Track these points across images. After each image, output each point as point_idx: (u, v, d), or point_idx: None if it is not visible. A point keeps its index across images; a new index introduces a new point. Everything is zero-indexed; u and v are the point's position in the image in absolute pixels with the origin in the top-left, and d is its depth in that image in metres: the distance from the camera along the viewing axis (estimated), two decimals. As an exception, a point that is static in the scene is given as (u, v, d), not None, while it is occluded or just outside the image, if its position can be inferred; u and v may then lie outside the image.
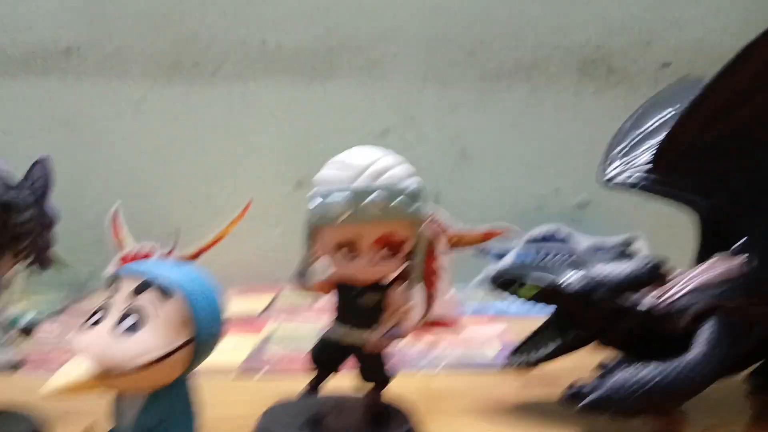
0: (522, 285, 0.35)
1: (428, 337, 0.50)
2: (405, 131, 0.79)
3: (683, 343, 0.33)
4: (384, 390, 0.33)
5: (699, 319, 0.33)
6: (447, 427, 0.33)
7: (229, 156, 0.79)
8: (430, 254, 0.55)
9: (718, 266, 0.35)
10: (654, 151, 0.33)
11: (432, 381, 0.41)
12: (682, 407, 0.32)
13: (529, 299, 0.35)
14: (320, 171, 0.31)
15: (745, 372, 0.40)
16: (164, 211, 0.75)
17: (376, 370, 0.32)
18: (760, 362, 0.40)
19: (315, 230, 0.31)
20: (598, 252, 0.36)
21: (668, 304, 0.34)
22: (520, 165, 0.81)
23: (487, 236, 0.55)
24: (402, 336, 0.32)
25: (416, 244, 0.32)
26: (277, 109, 0.79)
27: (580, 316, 0.34)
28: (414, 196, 0.31)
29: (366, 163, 0.30)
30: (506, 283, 0.36)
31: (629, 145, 0.39)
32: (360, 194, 0.29)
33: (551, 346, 0.36)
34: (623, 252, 0.36)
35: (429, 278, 0.34)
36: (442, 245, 0.55)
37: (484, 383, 0.40)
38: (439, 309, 0.54)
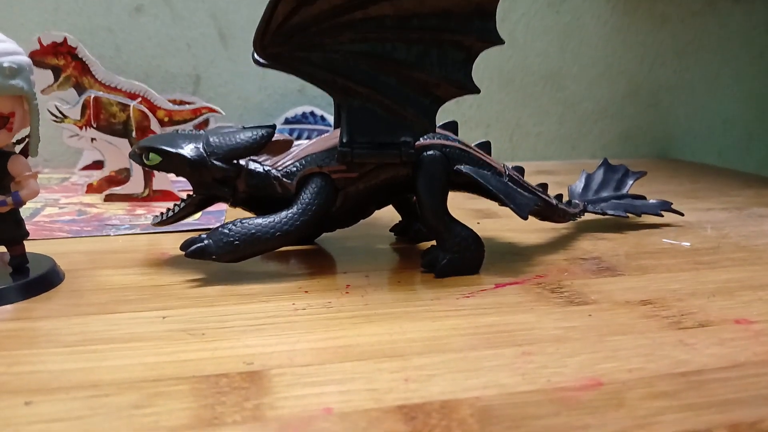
0: (148, 156, 0.39)
1: (136, 206, 0.55)
2: (159, 10, 0.79)
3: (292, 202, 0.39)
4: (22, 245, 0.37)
5: (305, 181, 0.40)
6: (99, 276, 0.38)
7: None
8: (144, 130, 0.58)
9: (325, 140, 0.41)
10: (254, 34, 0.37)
11: (114, 241, 0.46)
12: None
13: (155, 167, 0.39)
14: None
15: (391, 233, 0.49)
16: None
17: (6, 230, 0.36)
18: (398, 222, 0.48)
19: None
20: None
21: (283, 168, 0.40)
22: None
23: (195, 113, 0.59)
24: (21, 203, 0.35)
25: (31, 117, 0.35)
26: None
27: (199, 181, 0.39)
28: (12, 72, 0.33)
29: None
30: (139, 154, 0.39)
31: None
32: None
33: (181, 206, 0.41)
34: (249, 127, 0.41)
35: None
36: (154, 122, 0.58)
37: (149, 242, 0.45)
38: (159, 183, 0.59)
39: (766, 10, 1.00)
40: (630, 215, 0.52)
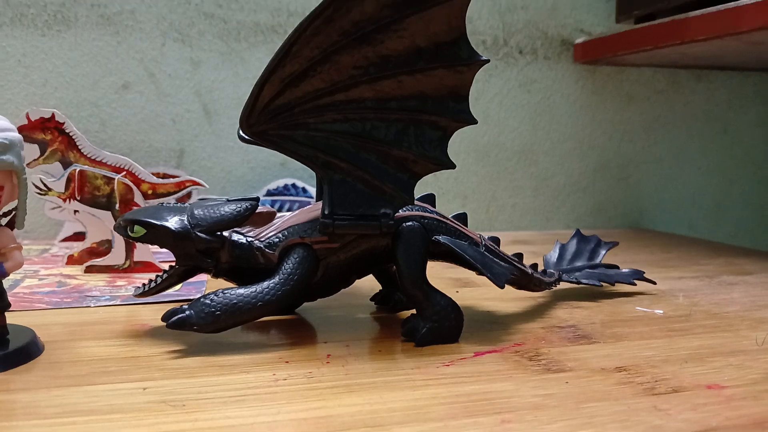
0: (133, 228, 0.40)
1: (116, 277, 0.55)
2: (145, 87, 0.81)
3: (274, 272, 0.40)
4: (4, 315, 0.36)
5: (287, 251, 0.41)
6: (79, 347, 0.38)
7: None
8: (128, 203, 0.59)
9: (307, 211, 0.42)
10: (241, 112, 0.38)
11: (94, 312, 0.45)
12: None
13: (140, 240, 0.40)
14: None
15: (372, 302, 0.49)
16: None
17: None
18: (378, 291, 0.49)
19: None
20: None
21: (266, 239, 0.41)
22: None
23: (179, 186, 0.60)
24: (5, 274, 0.35)
25: (19, 191, 0.35)
26: (10, 59, 0.77)
27: (183, 252, 0.40)
28: (4, 148, 0.34)
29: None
30: (124, 226, 0.40)
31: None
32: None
33: (162, 277, 0.41)
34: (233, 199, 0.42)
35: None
36: (138, 195, 0.59)
37: (129, 313, 0.46)
38: (140, 255, 0.59)
39: (727, 88, 1.06)
40: (604, 284, 0.54)
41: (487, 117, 0.94)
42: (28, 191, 0.36)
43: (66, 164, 0.58)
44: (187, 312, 0.37)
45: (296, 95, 0.37)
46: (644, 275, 0.55)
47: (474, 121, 0.39)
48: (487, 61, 0.38)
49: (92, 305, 0.47)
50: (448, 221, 0.43)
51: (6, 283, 0.38)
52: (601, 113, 1.00)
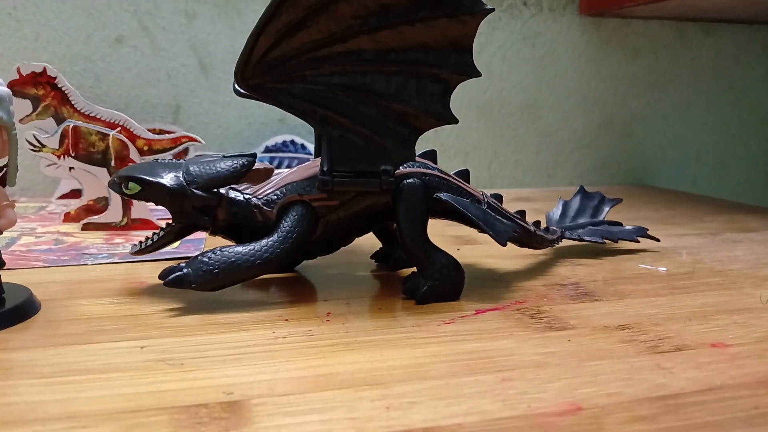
0: (127, 185, 0.39)
1: (114, 235, 0.55)
2: (139, 41, 0.79)
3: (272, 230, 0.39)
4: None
5: (285, 209, 0.40)
6: (76, 306, 0.37)
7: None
8: (124, 159, 0.58)
9: (306, 168, 0.41)
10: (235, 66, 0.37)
11: (92, 270, 0.45)
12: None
13: (135, 196, 0.39)
14: None
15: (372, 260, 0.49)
16: None
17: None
18: (378, 249, 0.49)
19: None
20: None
21: (264, 196, 0.40)
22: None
23: (175, 142, 0.59)
24: (-1, 231, 0.35)
25: (9, 147, 0.35)
26: (1, 13, 0.75)
27: (179, 210, 0.39)
28: (-8, 102, 0.33)
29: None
30: (118, 183, 0.39)
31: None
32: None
33: (159, 235, 0.41)
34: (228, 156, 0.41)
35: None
36: (133, 151, 0.58)
37: (127, 271, 0.45)
38: (137, 212, 0.59)
39: (735, 42, 1.04)
40: (607, 241, 0.53)
41: (489, 71, 0.92)
42: (18, 147, 0.36)
43: (59, 120, 0.57)
44: (185, 270, 0.37)
45: (293, 46, 0.36)
46: (648, 232, 0.54)
47: (477, 74, 0.38)
48: (492, 9, 0.36)
49: (89, 263, 0.47)
50: (449, 178, 0.42)
51: (2, 241, 0.37)
52: (606, 68, 0.98)
